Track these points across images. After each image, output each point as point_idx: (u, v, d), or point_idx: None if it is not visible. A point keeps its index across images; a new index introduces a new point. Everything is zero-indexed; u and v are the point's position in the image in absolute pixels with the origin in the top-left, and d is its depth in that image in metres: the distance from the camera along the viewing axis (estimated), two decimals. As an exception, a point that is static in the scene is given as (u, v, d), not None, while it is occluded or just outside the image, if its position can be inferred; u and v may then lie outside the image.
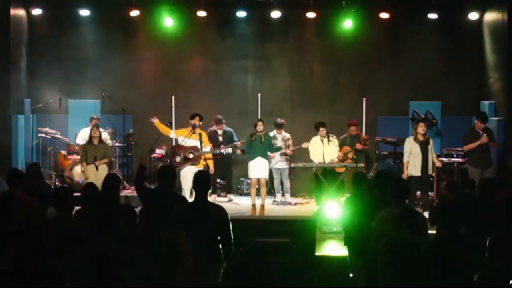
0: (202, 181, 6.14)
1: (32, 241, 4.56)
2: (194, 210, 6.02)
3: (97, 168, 11.60)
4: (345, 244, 7.18)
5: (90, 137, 11.86)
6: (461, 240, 5.15)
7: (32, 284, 4.34)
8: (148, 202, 5.83)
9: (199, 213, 5.93)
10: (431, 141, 11.46)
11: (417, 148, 11.29)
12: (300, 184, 14.02)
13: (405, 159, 11.41)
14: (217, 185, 13.44)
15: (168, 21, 13.84)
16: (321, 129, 12.16)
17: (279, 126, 12.89)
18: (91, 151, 11.67)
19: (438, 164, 11.59)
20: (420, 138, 11.36)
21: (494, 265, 4.95)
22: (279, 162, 12.69)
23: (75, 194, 6.43)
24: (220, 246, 5.95)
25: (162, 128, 11.85)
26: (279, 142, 12.82)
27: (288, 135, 13.00)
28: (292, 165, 12.43)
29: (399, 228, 5.88)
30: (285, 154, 12.82)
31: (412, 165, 11.28)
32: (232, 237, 6.00)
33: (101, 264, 4.55)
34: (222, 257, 5.96)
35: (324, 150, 12.08)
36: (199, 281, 5.60)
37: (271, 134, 12.74)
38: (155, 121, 11.80)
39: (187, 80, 14.29)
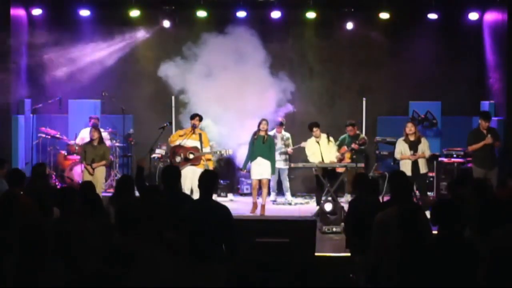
0: (207, 180, 6.07)
1: (33, 242, 4.56)
2: (199, 209, 5.95)
3: (93, 169, 11.58)
4: (346, 247, 7.17)
5: (91, 137, 11.88)
6: (462, 241, 5.14)
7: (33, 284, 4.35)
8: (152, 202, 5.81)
9: (204, 213, 5.88)
10: (423, 140, 11.42)
11: (406, 148, 11.33)
12: (300, 184, 14.04)
13: (397, 157, 11.46)
14: (219, 185, 13.46)
15: (168, 21, 13.87)
16: (314, 129, 12.08)
17: (279, 125, 12.89)
18: (89, 152, 11.65)
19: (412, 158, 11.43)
20: (411, 138, 11.36)
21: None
22: (278, 162, 12.68)
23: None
24: (224, 246, 5.89)
25: (174, 141, 11.83)
26: (278, 141, 12.82)
27: (287, 135, 13.00)
28: (292, 165, 12.43)
29: (398, 227, 5.87)
30: (285, 153, 12.83)
31: (404, 166, 11.27)
32: (236, 237, 5.94)
33: (110, 262, 4.55)
34: (227, 257, 5.91)
35: (321, 150, 12.02)
36: (205, 282, 5.57)
37: (271, 133, 12.74)
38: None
39: (187, 80, 14.27)
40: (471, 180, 8.11)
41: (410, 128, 11.39)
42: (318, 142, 12.05)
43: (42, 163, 10.27)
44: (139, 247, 4.78)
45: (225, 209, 6.01)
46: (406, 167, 11.16)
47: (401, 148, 11.37)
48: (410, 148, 11.30)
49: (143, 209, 5.24)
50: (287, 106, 13.37)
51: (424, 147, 11.35)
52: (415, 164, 11.25)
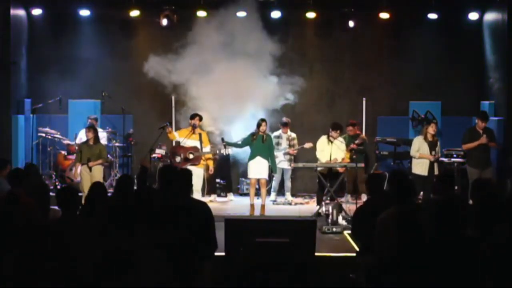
0: (184, 179, 6.15)
1: (35, 242, 4.56)
2: (180, 207, 5.96)
3: (90, 169, 11.55)
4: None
5: (86, 137, 11.89)
6: (462, 240, 5.14)
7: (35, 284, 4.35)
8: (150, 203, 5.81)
9: (185, 210, 5.90)
10: (438, 143, 11.48)
11: (426, 148, 11.30)
12: (300, 184, 14.03)
13: (415, 155, 11.38)
14: (217, 185, 13.45)
15: (167, 21, 13.87)
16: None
17: (284, 125, 12.89)
18: (85, 152, 11.63)
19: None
20: (430, 138, 11.38)
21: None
22: (282, 162, 12.68)
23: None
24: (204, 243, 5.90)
25: (172, 135, 11.87)
26: (283, 141, 12.81)
27: (293, 135, 12.99)
28: (292, 165, 12.42)
29: (398, 228, 5.87)
30: (288, 153, 12.82)
31: (420, 165, 11.27)
32: (215, 234, 6.00)
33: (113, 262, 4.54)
34: (209, 254, 5.95)
35: (332, 151, 11.96)
36: (190, 281, 5.58)
37: (276, 133, 12.75)
38: (169, 130, 11.86)
39: (186, 80, 14.27)
40: (455, 179, 8.12)
41: (434, 128, 11.41)
42: (331, 142, 11.95)
43: (33, 163, 10.25)
44: (136, 247, 4.78)
45: (205, 206, 6.13)
46: (422, 167, 11.19)
47: (420, 146, 11.34)
48: (431, 149, 11.31)
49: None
50: (287, 105, 13.37)
51: (438, 149, 11.41)
52: (431, 165, 11.26)
